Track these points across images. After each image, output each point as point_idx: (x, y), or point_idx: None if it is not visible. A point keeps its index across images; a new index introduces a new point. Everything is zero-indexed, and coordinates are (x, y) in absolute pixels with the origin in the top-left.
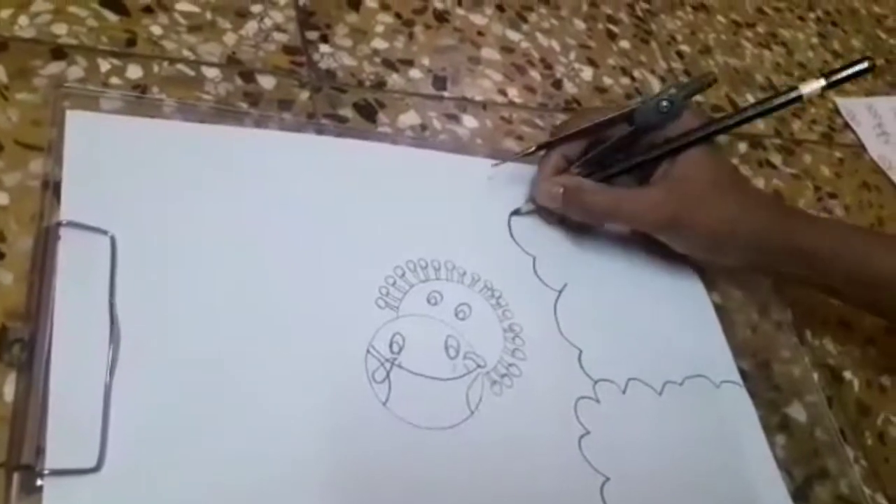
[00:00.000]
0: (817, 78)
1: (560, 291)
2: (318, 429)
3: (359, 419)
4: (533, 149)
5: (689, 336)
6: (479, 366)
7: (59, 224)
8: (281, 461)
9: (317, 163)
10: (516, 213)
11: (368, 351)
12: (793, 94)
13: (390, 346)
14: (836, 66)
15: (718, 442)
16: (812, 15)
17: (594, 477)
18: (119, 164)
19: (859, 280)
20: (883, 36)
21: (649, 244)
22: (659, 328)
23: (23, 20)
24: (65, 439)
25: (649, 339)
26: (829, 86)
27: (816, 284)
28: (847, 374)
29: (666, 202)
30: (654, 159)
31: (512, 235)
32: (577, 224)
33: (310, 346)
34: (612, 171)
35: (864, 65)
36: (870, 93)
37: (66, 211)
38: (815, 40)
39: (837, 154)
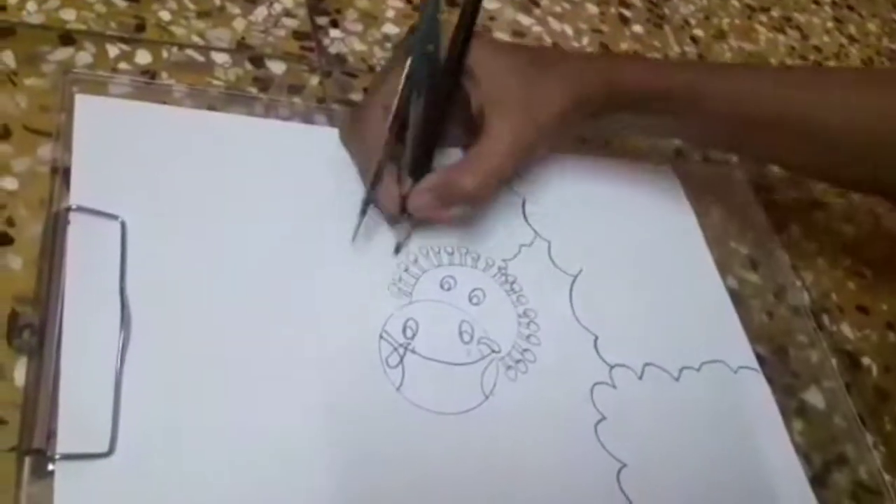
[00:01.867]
0: None
1: (575, 276)
2: (331, 413)
3: (372, 404)
4: (363, 209)
5: (706, 322)
6: (493, 351)
7: (68, 209)
8: (293, 446)
9: (326, 151)
10: (398, 250)
11: (382, 336)
12: None
13: (404, 331)
14: (852, 51)
15: (736, 428)
16: None
17: (611, 463)
18: (128, 149)
19: (693, 110)
20: None
21: (665, 229)
22: (675, 314)
23: (31, 6)
24: (76, 424)
25: (665, 325)
26: None
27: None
28: (865, 360)
29: (507, 133)
30: (447, 96)
31: (527, 219)
32: (593, 208)
33: (322, 331)
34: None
35: None
36: None
37: (76, 196)
38: (830, 24)
39: None
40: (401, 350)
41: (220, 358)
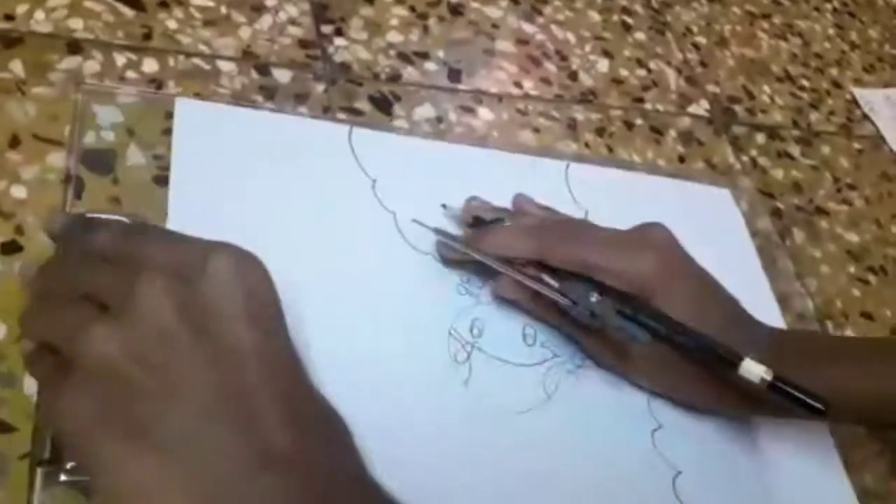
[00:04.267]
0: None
1: None
2: (402, 402)
3: (441, 395)
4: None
5: None
6: (555, 355)
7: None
8: (362, 433)
9: (402, 160)
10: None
11: (450, 333)
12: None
13: (471, 330)
14: (853, 57)
15: (782, 440)
16: (828, 5)
17: (667, 469)
18: (227, 154)
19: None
20: None
21: (722, 251)
22: None
23: (39, 15)
24: None
25: None
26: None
27: None
28: None
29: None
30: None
31: None
32: None
33: (396, 324)
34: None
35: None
36: (888, 84)
37: (174, 197)
38: (831, 31)
39: (856, 145)
40: (468, 347)
41: None
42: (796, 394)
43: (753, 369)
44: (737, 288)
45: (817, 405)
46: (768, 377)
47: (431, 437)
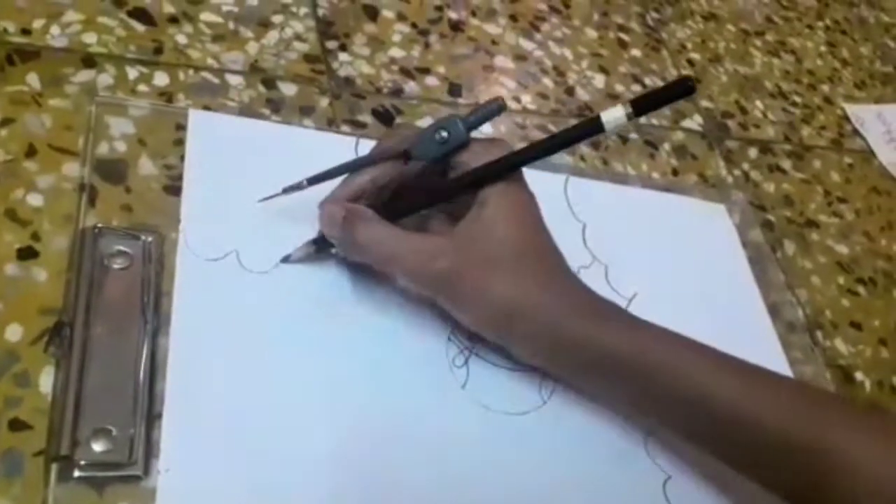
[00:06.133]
0: (623, 104)
1: (630, 300)
2: (400, 404)
3: (438, 399)
4: (304, 183)
5: (751, 350)
6: None
7: (94, 227)
8: (363, 432)
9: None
10: (286, 260)
11: (449, 338)
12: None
13: (469, 336)
14: (845, 74)
15: None
16: (821, 24)
17: (657, 474)
18: (238, 164)
19: (692, 411)
20: (891, 44)
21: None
22: (722, 341)
23: (55, 30)
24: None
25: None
26: (637, 114)
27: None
28: (859, 375)
29: (449, 253)
30: (445, 197)
31: (586, 244)
32: (650, 238)
33: (395, 329)
34: (402, 209)
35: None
36: (879, 100)
37: (186, 206)
38: (823, 48)
39: (847, 160)
40: (466, 353)
41: (274, 360)
42: (661, 92)
43: (614, 112)
44: (729, 297)
45: (687, 84)
46: (628, 107)
47: (429, 438)
